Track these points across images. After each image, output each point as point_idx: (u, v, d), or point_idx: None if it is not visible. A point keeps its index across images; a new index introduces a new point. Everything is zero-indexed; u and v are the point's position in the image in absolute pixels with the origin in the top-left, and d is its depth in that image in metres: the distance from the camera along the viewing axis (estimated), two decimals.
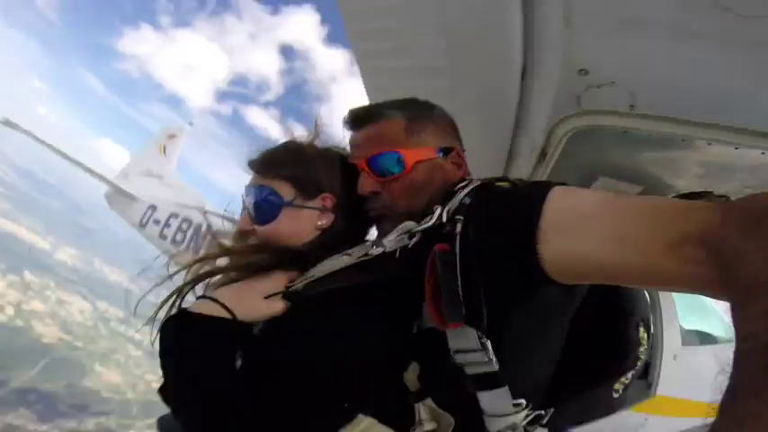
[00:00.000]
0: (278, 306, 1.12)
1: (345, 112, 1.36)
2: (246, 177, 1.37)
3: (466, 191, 1.15)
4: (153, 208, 9.47)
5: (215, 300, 1.06)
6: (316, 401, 1.03)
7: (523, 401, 1.13)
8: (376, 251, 1.15)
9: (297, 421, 1.02)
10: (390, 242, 1.16)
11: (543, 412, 1.21)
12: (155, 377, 46.78)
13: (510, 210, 1.01)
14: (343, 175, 1.35)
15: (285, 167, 1.32)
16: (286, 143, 1.40)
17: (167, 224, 8.69)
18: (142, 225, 9.44)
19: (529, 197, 0.99)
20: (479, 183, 1.19)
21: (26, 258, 68.17)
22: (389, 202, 1.30)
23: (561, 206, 0.95)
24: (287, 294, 1.12)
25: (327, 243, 1.26)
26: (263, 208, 1.28)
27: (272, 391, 1.00)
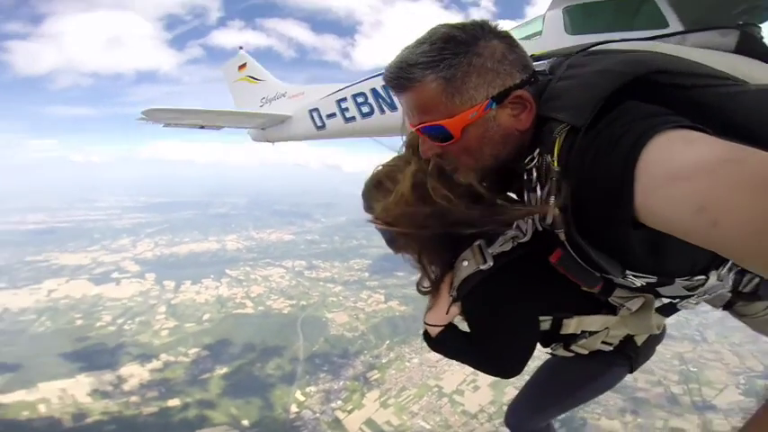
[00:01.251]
0: (455, 311, 1.59)
1: (384, 70, 1.26)
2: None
3: (546, 186, 1.13)
4: (315, 110, 8.88)
5: (431, 324, 1.64)
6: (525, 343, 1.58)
7: (702, 277, 1.25)
8: (485, 266, 1.41)
9: (523, 347, 1.56)
10: (495, 250, 1.42)
11: None
12: (364, 303, 65.77)
13: (603, 176, 0.96)
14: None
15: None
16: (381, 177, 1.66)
17: (344, 109, 8.04)
18: (321, 127, 8.81)
19: (623, 154, 0.93)
20: (550, 162, 1.10)
21: (216, 262, 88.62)
22: (455, 161, 1.31)
23: (656, 162, 0.89)
24: (454, 300, 1.57)
25: (452, 234, 1.45)
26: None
27: (490, 343, 1.55)
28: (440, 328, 1.65)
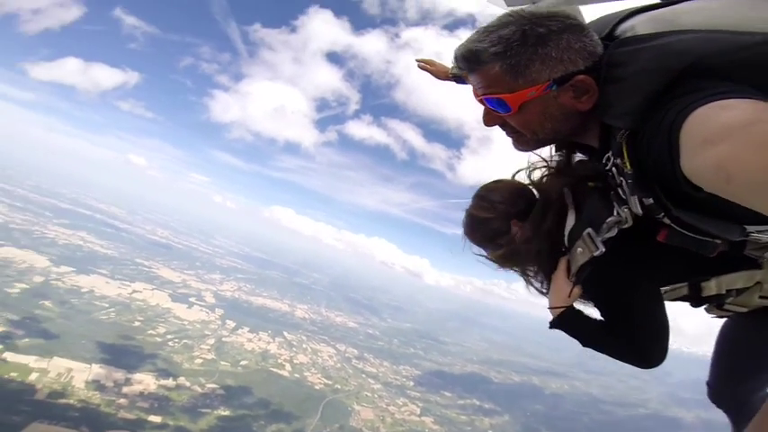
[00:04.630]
0: (577, 292, 1.53)
1: (454, 51, 1.28)
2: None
3: (628, 183, 1.16)
4: None
5: (555, 307, 1.59)
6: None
7: None
8: (598, 253, 1.31)
9: (656, 328, 1.47)
10: (603, 236, 1.30)
11: None
12: (396, 409, 56.24)
13: (657, 155, 0.99)
14: (520, 209, 1.62)
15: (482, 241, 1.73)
16: (474, 216, 1.72)
17: None
18: None
19: (666, 131, 0.95)
20: (625, 156, 1.12)
21: (280, 322, 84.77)
22: (516, 132, 1.33)
23: (692, 130, 0.90)
24: (575, 283, 1.50)
25: (549, 242, 1.54)
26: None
27: (622, 326, 1.49)
28: (560, 310, 1.59)
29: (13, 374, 38.36)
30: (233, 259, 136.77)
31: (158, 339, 56.28)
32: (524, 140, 1.35)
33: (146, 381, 44.59)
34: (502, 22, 1.19)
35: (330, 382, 60.36)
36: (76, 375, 41.38)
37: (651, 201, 1.10)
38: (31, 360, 40.79)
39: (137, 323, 58.67)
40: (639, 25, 1.17)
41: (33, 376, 39.11)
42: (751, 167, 0.77)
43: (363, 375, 67.22)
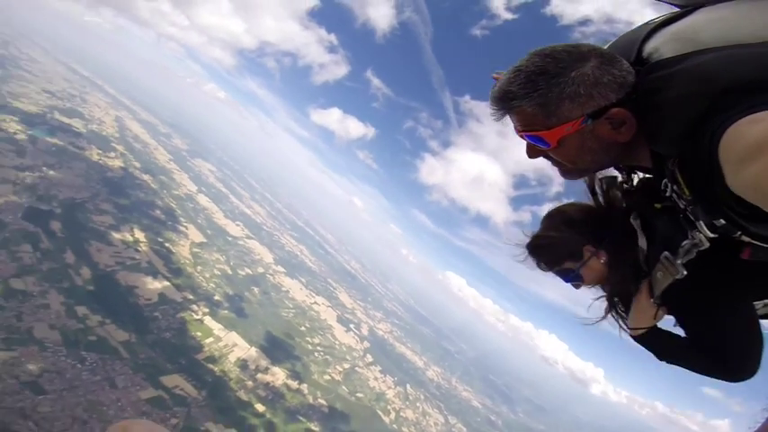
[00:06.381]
0: (662, 314, 1.47)
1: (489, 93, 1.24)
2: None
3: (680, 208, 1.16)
4: None
5: (638, 328, 1.53)
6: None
7: None
8: (679, 276, 1.27)
9: (746, 340, 1.35)
10: (682, 260, 1.25)
11: None
12: None
13: (703, 177, 0.97)
14: (591, 233, 1.57)
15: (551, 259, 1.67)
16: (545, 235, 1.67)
17: None
18: None
19: (706, 154, 0.92)
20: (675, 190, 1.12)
21: (409, 374, 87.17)
22: (559, 164, 1.31)
23: (727, 150, 0.87)
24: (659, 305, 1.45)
25: (628, 268, 1.53)
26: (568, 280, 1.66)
27: (710, 341, 1.38)
28: (642, 331, 1.55)
29: (198, 334, 45.84)
30: (397, 305, 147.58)
31: (309, 347, 65.06)
32: (568, 170, 1.33)
33: (278, 375, 51.41)
34: (529, 63, 1.16)
35: None
36: (236, 351, 48.55)
37: (722, 221, 1.05)
38: (217, 327, 48.52)
39: (303, 328, 68.91)
40: (664, 47, 1.14)
41: (208, 340, 46.18)
42: None
43: None
